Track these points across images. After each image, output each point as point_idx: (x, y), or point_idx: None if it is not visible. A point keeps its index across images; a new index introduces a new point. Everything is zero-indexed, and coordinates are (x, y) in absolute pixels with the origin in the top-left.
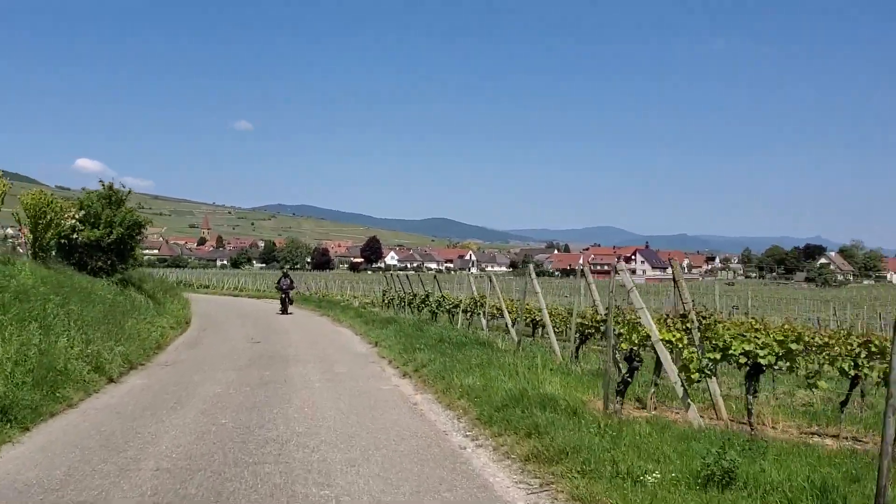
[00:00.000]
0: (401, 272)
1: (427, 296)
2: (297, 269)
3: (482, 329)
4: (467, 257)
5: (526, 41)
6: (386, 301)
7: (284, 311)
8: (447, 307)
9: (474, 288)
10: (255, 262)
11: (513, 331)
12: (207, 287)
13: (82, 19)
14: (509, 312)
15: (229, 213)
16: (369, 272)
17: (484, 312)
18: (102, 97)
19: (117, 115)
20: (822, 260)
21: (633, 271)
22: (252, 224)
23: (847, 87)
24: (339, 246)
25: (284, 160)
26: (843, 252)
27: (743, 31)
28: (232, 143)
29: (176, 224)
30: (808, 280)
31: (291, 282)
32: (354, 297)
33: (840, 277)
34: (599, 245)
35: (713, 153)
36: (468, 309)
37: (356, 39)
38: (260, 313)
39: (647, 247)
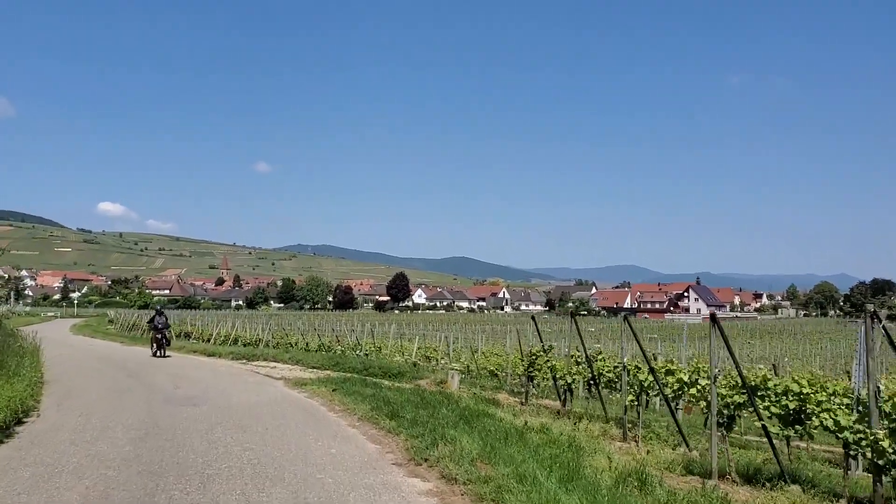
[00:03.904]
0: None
1: None
2: (318, 308)
3: None
4: (500, 295)
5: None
6: (560, 386)
7: (159, 353)
8: None
9: None
10: (272, 301)
11: None
12: (189, 336)
13: (106, 64)
14: None
15: (249, 253)
16: (396, 311)
17: None
18: (125, 141)
19: (139, 159)
20: None
21: (687, 310)
22: (272, 264)
23: (865, 124)
24: (362, 284)
25: (304, 201)
26: None
27: (760, 65)
28: (252, 184)
29: (196, 265)
30: (890, 318)
31: (167, 320)
32: (438, 362)
33: None
34: (629, 283)
35: (733, 191)
36: None
37: (371, 79)
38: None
39: (698, 282)
